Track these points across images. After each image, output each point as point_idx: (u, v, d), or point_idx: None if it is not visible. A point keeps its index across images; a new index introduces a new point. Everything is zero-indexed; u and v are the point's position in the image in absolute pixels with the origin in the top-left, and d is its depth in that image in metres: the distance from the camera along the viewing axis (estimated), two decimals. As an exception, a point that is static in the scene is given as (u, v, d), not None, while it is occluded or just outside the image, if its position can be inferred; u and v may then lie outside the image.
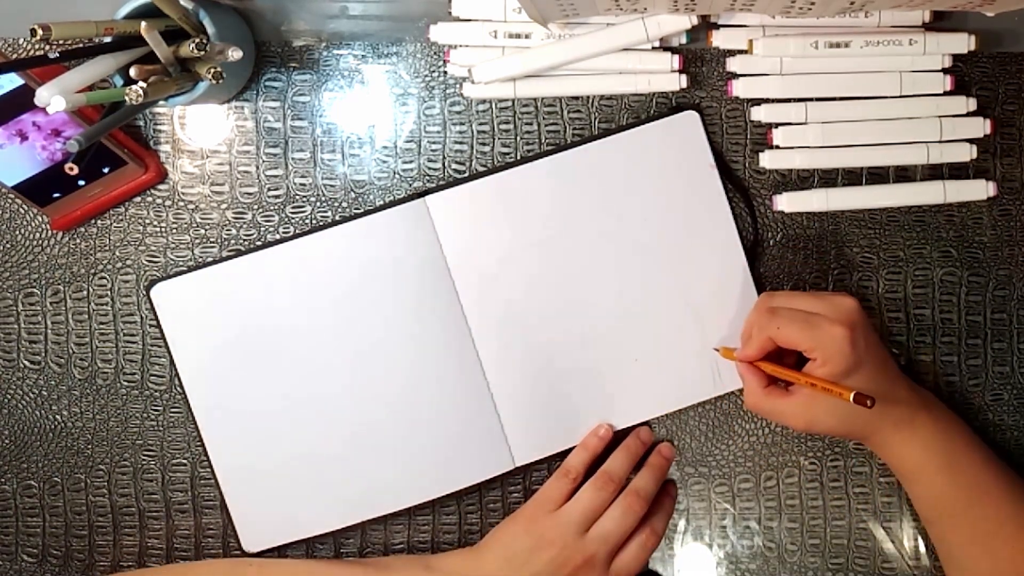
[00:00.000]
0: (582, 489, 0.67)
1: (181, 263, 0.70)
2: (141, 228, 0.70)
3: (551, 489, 0.67)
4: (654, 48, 0.67)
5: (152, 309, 0.69)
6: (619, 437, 0.70)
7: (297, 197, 0.70)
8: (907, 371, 0.69)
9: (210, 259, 0.70)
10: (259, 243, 0.70)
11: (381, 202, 0.69)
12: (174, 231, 0.70)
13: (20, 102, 0.63)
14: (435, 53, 0.68)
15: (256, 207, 0.70)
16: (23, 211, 0.70)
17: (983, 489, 0.64)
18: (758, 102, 0.68)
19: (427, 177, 0.69)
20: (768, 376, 0.64)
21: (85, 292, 0.70)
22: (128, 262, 0.70)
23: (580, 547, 0.65)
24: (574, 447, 0.69)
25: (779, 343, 0.63)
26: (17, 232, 0.70)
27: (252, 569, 0.68)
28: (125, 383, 0.71)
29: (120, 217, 0.70)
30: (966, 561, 0.64)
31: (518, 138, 0.69)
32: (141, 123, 0.69)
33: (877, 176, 0.69)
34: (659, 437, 0.71)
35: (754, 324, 0.65)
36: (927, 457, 0.64)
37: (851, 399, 0.58)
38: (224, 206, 0.70)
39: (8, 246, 0.70)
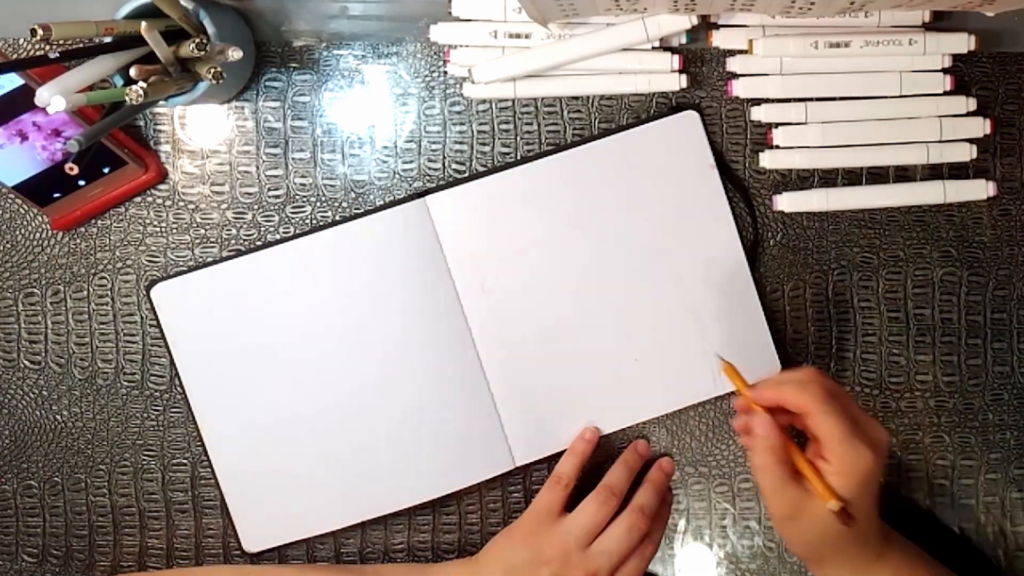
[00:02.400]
0: (584, 503, 0.66)
1: (181, 263, 0.70)
2: (141, 228, 0.70)
3: (546, 499, 0.67)
4: (654, 48, 0.67)
5: (152, 309, 0.69)
6: (614, 439, 0.70)
7: (297, 197, 0.70)
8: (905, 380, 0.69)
9: (210, 259, 0.70)
10: (259, 243, 0.70)
11: (381, 202, 0.69)
12: (174, 231, 0.70)
13: (20, 102, 0.63)
14: (435, 53, 0.68)
15: (256, 207, 0.70)
16: (23, 211, 0.70)
17: None
18: (758, 102, 0.68)
19: (427, 177, 0.69)
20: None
21: (85, 292, 0.70)
22: (128, 262, 0.70)
23: (582, 562, 0.65)
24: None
25: (807, 418, 0.57)
26: (17, 232, 0.70)
27: (252, 574, 0.69)
28: (125, 383, 0.71)
29: (120, 217, 0.70)
30: None
31: (518, 138, 0.69)
32: (141, 123, 0.69)
33: (877, 176, 0.69)
34: (659, 437, 0.71)
35: (801, 381, 0.58)
36: None
37: (834, 508, 0.55)
38: (224, 206, 0.70)
39: (8, 246, 0.70)
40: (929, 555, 0.65)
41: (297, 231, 0.69)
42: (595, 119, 0.69)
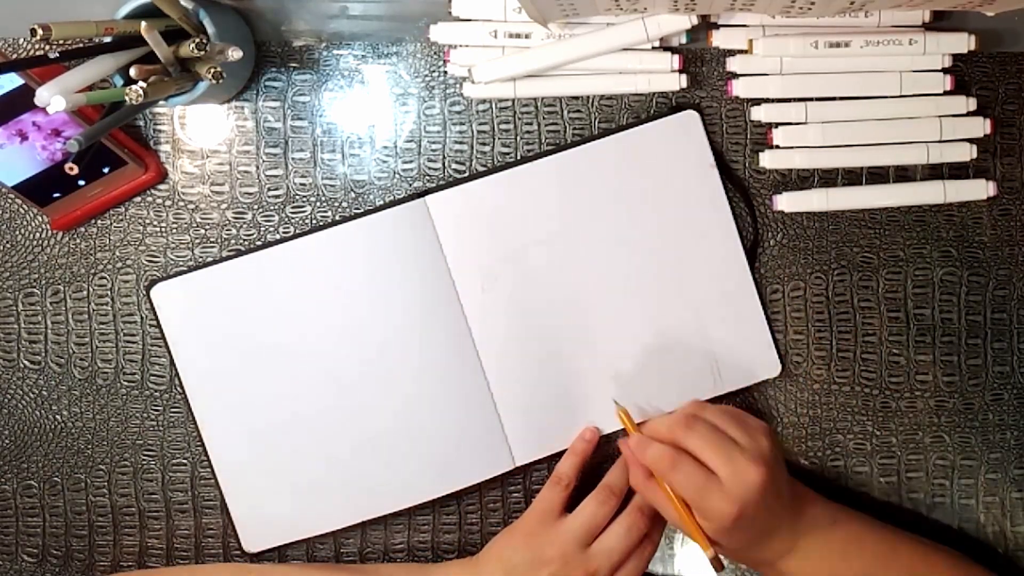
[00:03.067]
0: (584, 503, 0.66)
1: (181, 263, 0.70)
2: (141, 228, 0.70)
3: (546, 499, 0.67)
4: (654, 48, 0.67)
5: (152, 309, 0.69)
6: (614, 439, 0.70)
7: (297, 197, 0.70)
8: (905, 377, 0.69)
9: (210, 259, 0.70)
10: (259, 243, 0.70)
11: (381, 202, 0.69)
12: (174, 231, 0.70)
13: (20, 102, 0.63)
14: (435, 53, 0.68)
15: (256, 207, 0.70)
16: (23, 211, 0.70)
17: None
18: (758, 102, 0.68)
19: (427, 177, 0.69)
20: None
21: (85, 292, 0.70)
22: (128, 262, 0.70)
23: (582, 562, 0.65)
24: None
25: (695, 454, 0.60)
26: (17, 232, 0.70)
27: (253, 574, 0.69)
28: (125, 383, 0.71)
29: (120, 217, 0.70)
30: None
31: (518, 138, 0.69)
32: (141, 123, 0.69)
33: (877, 176, 0.69)
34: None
35: (677, 422, 0.62)
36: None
37: (710, 556, 0.60)
38: (224, 206, 0.70)
39: (8, 246, 0.70)
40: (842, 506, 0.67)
41: (297, 231, 0.69)
42: (595, 119, 0.69)
